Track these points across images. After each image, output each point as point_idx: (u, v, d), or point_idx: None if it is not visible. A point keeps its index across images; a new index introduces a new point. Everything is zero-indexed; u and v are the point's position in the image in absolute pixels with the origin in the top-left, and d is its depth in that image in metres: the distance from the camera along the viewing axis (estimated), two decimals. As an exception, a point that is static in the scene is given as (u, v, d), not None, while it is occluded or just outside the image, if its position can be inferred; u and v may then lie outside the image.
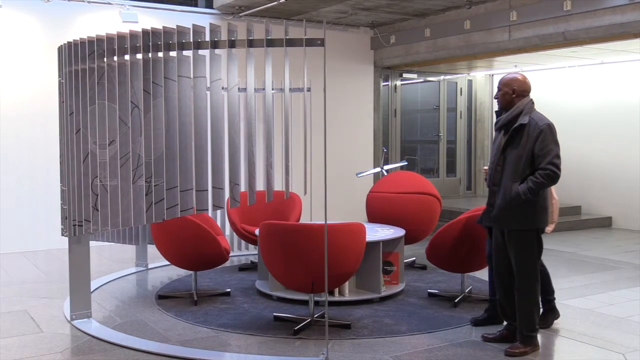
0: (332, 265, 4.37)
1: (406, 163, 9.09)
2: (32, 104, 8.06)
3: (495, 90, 4.47)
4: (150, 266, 6.94)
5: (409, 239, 6.43)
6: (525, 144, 4.14)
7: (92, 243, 5.26)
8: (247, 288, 6.04)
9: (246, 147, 4.42)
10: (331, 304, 5.23)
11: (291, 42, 4.20)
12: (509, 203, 4.17)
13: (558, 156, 4.12)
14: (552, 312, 4.87)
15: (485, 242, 4.87)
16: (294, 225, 5.12)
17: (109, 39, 4.59)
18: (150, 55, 4.42)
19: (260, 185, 6.34)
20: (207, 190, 4.39)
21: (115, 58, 4.57)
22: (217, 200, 4.36)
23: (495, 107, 4.54)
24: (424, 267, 6.92)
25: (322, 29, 4.10)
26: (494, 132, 4.57)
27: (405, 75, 11.28)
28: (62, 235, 5.10)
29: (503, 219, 4.25)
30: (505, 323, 4.55)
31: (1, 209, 7.91)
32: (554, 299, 4.88)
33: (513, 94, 4.27)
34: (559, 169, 4.10)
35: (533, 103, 4.29)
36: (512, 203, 4.16)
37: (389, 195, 6.97)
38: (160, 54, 4.41)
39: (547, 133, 4.10)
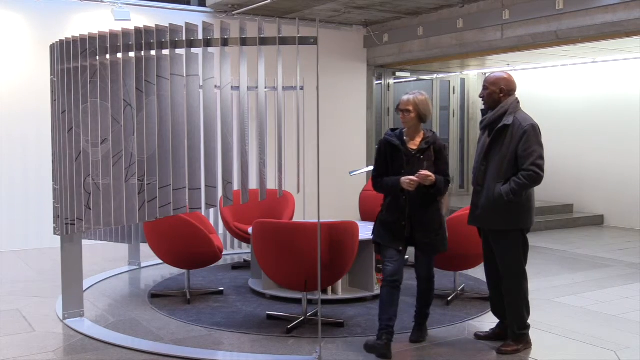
0: (325, 263, 4.38)
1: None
2: (24, 103, 8.02)
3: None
4: (143, 265, 6.92)
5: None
6: (509, 144, 4.11)
7: (84, 242, 5.24)
8: (240, 286, 6.04)
9: (239, 145, 4.41)
10: (324, 302, 5.23)
11: (284, 41, 4.19)
12: (492, 203, 4.16)
13: (541, 157, 4.07)
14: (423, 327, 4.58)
15: (480, 240, 4.86)
16: (287, 223, 5.12)
17: (102, 37, 4.57)
18: (142, 53, 4.41)
19: (253, 184, 6.33)
20: (200, 188, 4.38)
21: (108, 56, 4.55)
22: (210, 198, 4.35)
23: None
24: (416, 266, 6.92)
25: (315, 27, 4.09)
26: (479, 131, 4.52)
27: (398, 73, 11.28)
28: (55, 234, 5.07)
29: (487, 219, 4.24)
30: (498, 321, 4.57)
31: (-7, 208, 7.89)
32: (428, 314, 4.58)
33: (501, 93, 4.22)
34: (542, 170, 4.06)
35: (518, 102, 4.25)
36: (495, 204, 4.14)
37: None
38: (153, 52, 4.40)
39: (530, 134, 4.07)
